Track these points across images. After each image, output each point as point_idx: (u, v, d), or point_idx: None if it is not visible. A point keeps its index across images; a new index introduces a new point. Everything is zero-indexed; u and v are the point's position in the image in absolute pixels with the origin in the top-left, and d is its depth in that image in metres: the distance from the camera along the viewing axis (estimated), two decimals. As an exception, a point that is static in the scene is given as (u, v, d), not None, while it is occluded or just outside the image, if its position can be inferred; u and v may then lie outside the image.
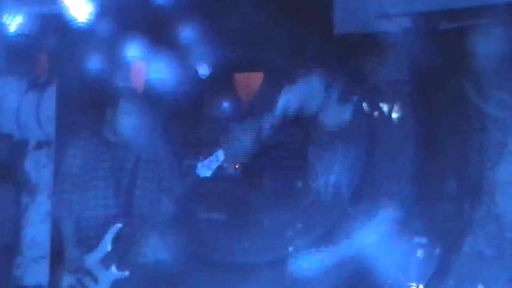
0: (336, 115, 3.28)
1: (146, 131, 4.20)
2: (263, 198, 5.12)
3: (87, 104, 5.39)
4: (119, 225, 4.05)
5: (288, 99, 3.33)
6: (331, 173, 3.27)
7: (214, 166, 4.00)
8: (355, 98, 3.31)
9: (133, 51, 5.48)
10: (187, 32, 5.38)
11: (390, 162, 3.23)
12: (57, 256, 4.56)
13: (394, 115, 4.65)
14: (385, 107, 4.74)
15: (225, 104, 5.99)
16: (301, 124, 3.44)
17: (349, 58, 4.71)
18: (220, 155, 4.00)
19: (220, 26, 5.37)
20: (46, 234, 5.51)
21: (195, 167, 3.97)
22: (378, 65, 4.52)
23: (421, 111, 4.90)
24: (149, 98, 4.99)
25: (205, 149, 5.50)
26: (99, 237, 4.10)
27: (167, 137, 4.35)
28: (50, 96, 5.65)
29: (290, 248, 3.44)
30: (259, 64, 5.61)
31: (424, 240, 4.62)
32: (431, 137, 4.78)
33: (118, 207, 4.09)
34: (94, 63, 5.40)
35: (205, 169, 4.01)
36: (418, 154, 3.47)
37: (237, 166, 5.39)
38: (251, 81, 5.88)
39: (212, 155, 3.97)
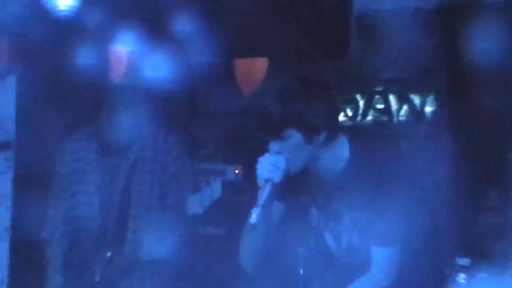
0: (327, 161, 2.88)
1: (141, 132, 3.83)
2: None
3: (63, 100, 5.22)
4: (108, 254, 3.72)
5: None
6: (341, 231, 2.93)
7: (207, 203, 3.89)
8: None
9: (115, 37, 5.20)
10: (179, 14, 5.22)
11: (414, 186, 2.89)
12: (17, 282, 4.43)
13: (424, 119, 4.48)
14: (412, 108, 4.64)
15: (223, 97, 5.82)
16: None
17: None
18: (216, 188, 3.92)
19: (217, 4, 5.21)
20: (3, 255, 5.10)
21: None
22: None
23: (456, 110, 4.71)
24: (137, 92, 4.69)
25: (200, 150, 5.71)
26: (84, 264, 3.80)
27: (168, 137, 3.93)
28: (9, 88, 5.33)
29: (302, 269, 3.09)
30: (263, 48, 5.35)
31: (466, 261, 3.99)
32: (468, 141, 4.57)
33: (107, 230, 3.75)
34: (71, 52, 5.12)
35: (196, 205, 3.89)
36: (453, 162, 3.47)
37: (237, 171, 5.30)
38: (254, 68, 5.58)
39: (206, 186, 3.81)
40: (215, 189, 3.78)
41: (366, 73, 5.43)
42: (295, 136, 2.77)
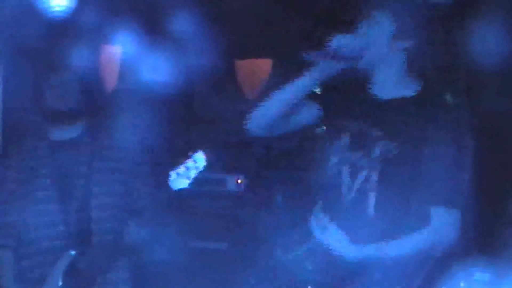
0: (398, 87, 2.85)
1: (109, 130, 3.85)
2: (273, 221, 4.94)
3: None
4: (71, 253, 3.67)
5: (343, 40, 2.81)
6: (367, 186, 2.83)
7: (192, 174, 3.63)
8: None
9: (111, 37, 5.34)
10: (176, 14, 5.15)
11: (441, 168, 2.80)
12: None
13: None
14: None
15: (224, 100, 5.72)
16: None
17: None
18: (199, 159, 3.61)
19: (220, 3, 5.17)
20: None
21: (168, 177, 3.67)
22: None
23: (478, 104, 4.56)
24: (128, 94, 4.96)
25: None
26: (45, 268, 3.72)
27: (142, 138, 3.98)
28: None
29: (309, 287, 3.09)
30: (268, 48, 5.35)
31: (487, 276, 3.99)
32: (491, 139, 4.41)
33: (69, 228, 3.73)
34: (64, 53, 4.69)
35: (180, 179, 3.63)
36: (474, 164, 2.98)
37: (240, 181, 5.17)
38: (257, 69, 5.58)
39: (189, 159, 3.62)
40: (198, 159, 3.62)
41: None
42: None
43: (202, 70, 5.63)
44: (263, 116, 2.93)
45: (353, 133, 2.84)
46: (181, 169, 3.58)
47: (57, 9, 4.87)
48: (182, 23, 5.13)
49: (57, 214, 3.76)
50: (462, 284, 3.84)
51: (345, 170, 2.85)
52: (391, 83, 2.82)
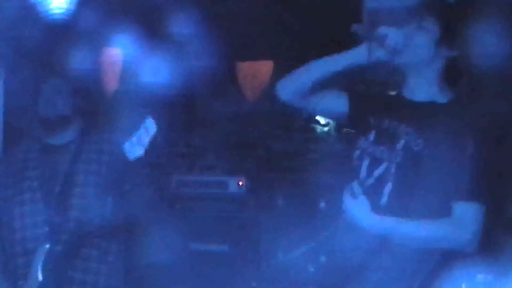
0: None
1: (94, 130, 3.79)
2: (275, 223, 4.93)
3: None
4: (46, 246, 3.63)
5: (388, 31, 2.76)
6: (381, 182, 2.78)
7: (146, 140, 3.46)
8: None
9: (112, 39, 5.30)
10: (177, 16, 5.05)
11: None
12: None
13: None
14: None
15: (225, 102, 5.75)
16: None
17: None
18: (149, 124, 3.45)
19: (221, 4, 5.08)
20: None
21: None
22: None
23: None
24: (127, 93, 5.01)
25: (199, 160, 5.66)
26: (27, 265, 3.69)
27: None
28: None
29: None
30: (268, 51, 5.38)
31: (489, 278, 3.75)
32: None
33: (48, 224, 3.68)
34: (65, 56, 4.58)
35: (135, 147, 3.48)
36: (477, 163, 2.86)
37: (241, 183, 5.13)
38: (258, 72, 5.58)
39: (139, 129, 3.46)
40: (148, 125, 3.48)
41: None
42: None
43: (203, 72, 5.64)
44: (294, 82, 2.87)
45: (381, 129, 2.83)
46: (134, 138, 3.49)
47: (57, 12, 4.87)
48: (183, 26, 5.11)
49: (37, 208, 3.73)
50: (463, 286, 3.60)
51: (366, 160, 2.84)
52: (424, 88, 2.82)
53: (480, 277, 3.71)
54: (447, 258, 2.84)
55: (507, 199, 4.37)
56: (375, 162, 2.80)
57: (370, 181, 2.82)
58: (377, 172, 2.79)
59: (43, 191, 3.72)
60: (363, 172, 2.85)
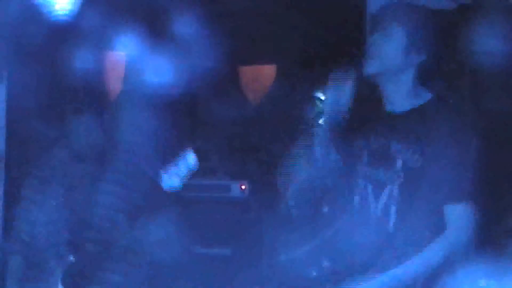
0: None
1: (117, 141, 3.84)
2: (278, 227, 4.57)
3: (52, 108, 4.96)
4: (70, 258, 3.71)
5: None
6: (380, 189, 2.83)
7: (183, 173, 3.61)
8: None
9: (113, 40, 5.20)
10: (180, 18, 5.12)
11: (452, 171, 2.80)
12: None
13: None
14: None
15: (227, 105, 5.63)
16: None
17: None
18: (189, 157, 3.58)
19: (223, 7, 5.14)
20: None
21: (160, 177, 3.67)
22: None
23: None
24: (134, 98, 4.77)
25: (201, 163, 5.17)
26: (46, 274, 3.77)
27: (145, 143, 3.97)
28: (-1, 99, 5.56)
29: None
30: (271, 54, 5.33)
31: (492, 282, 3.78)
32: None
33: (70, 234, 3.78)
34: (67, 57, 4.96)
35: (172, 177, 3.63)
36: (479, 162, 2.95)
37: (244, 187, 5.13)
38: (261, 75, 5.59)
39: (178, 158, 3.60)
40: (189, 158, 3.63)
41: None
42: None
43: (206, 75, 5.58)
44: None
45: (373, 150, 2.84)
46: (172, 168, 3.56)
47: (61, 12, 4.83)
48: (186, 29, 5.11)
49: (60, 217, 3.77)
50: None
51: (370, 188, 2.85)
52: (401, 96, 2.82)
53: (482, 282, 3.72)
54: (450, 260, 2.83)
55: (507, 203, 4.41)
56: (377, 186, 2.80)
57: (378, 207, 2.82)
58: (382, 196, 2.80)
59: (70, 202, 3.75)
60: (370, 197, 2.84)
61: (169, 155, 4.34)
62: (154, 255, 3.94)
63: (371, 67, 2.78)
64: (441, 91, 2.96)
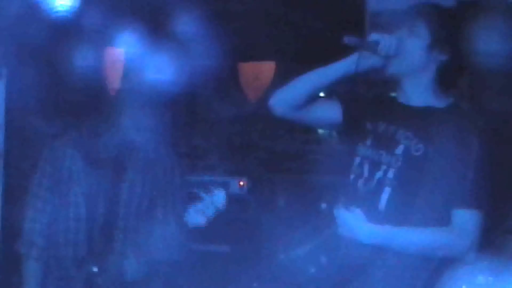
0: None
1: (133, 141, 3.74)
2: (276, 224, 4.76)
3: (57, 105, 5.19)
4: (94, 269, 3.58)
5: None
6: (382, 185, 2.81)
7: (211, 211, 3.50)
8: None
9: (113, 38, 5.28)
10: (180, 15, 5.16)
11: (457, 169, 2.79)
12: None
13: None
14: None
15: (226, 102, 5.76)
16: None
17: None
18: (218, 196, 3.48)
19: (224, 4, 5.21)
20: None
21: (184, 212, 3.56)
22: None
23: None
24: (134, 96, 4.64)
25: (201, 160, 5.67)
26: (66, 280, 3.63)
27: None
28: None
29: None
30: (270, 52, 5.38)
31: (490, 280, 3.64)
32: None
33: (93, 244, 3.63)
34: (66, 55, 5.11)
35: (198, 215, 3.50)
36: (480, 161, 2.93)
37: (242, 183, 5.16)
38: (261, 73, 5.59)
39: (208, 194, 3.46)
40: (217, 197, 3.52)
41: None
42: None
43: (205, 72, 5.63)
44: (286, 96, 2.87)
45: (378, 134, 2.84)
46: (199, 204, 3.51)
47: (60, 11, 4.84)
48: (186, 26, 5.14)
49: (84, 225, 3.67)
50: (464, 287, 3.96)
51: (366, 167, 2.85)
52: (419, 94, 2.83)
53: (481, 278, 3.84)
54: (449, 259, 2.82)
55: (507, 202, 4.38)
56: (375, 166, 2.80)
57: (371, 185, 2.82)
58: (377, 176, 2.80)
59: (85, 209, 3.67)
60: (365, 175, 2.84)
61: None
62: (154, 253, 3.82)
63: (395, 67, 2.77)
64: (459, 96, 2.96)
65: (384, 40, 2.74)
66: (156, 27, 5.18)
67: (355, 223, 2.76)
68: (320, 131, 5.78)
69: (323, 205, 3.63)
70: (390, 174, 2.78)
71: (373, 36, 2.75)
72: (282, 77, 5.25)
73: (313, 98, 2.84)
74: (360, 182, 2.84)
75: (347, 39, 2.72)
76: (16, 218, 4.07)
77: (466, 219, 2.70)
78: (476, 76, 4.35)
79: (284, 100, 2.85)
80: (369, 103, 2.89)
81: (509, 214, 4.24)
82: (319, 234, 3.17)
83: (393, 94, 2.90)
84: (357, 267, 2.89)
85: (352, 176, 2.87)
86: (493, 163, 2.80)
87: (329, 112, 2.88)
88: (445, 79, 2.84)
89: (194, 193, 3.53)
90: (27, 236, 3.71)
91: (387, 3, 5.12)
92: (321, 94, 2.87)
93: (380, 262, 2.83)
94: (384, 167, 2.77)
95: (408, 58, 2.79)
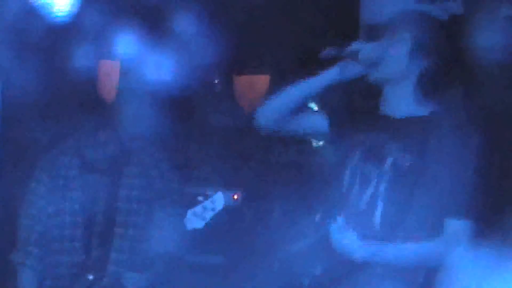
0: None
1: (127, 147, 3.80)
2: (271, 234, 4.87)
3: (50, 112, 5.11)
4: (89, 277, 3.62)
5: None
6: (374, 196, 2.79)
7: (209, 215, 3.55)
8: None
9: (109, 47, 5.25)
10: (178, 26, 5.10)
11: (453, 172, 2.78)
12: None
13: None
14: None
15: (222, 115, 5.74)
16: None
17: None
18: (217, 199, 3.54)
19: (219, 17, 5.12)
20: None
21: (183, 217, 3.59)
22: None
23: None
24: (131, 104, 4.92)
25: (195, 171, 5.61)
26: None
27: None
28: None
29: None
30: (265, 63, 5.39)
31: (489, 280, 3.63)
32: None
33: (88, 252, 3.67)
34: (60, 60, 5.09)
35: (196, 219, 3.53)
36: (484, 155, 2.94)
37: (236, 197, 5.17)
38: (255, 85, 5.58)
39: (207, 197, 3.53)
40: (216, 200, 3.57)
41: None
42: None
43: (200, 84, 5.61)
44: (272, 109, 2.87)
45: (366, 147, 2.83)
46: (198, 208, 3.54)
47: (59, 12, 4.81)
48: (182, 37, 5.11)
49: (80, 233, 3.69)
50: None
51: (357, 179, 2.84)
52: (402, 102, 2.81)
53: (478, 276, 3.81)
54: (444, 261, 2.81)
55: (500, 209, 4.37)
56: (366, 180, 2.79)
57: (364, 200, 2.81)
58: (369, 191, 2.79)
59: (84, 217, 3.67)
60: (357, 189, 2.84)
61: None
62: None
63: (377, 73, 2.77)
64: (444, 104, 2.92)
65: (364, 48, 2.74)
66: (151, 39, 5.13)
67: (348, 244, 2.74)
68: (315, 142, 5.80)
69: (318, 217, 3.64)
70: (381, 188, 2.77)
71: (353, 45, 2.75)
72: (276, 90, 5.31)
73: (298, 109, 2.84)
74: (353, 196, 2.83)
75: (324, 53, 2.74)
76: (11, 226, 4.07)
77: (457, 228, 2.69)
78: (465, 81, 4.31)
79: (270, 111, 2.86)
80: (355, 115, 2.89)
81: (507, 221, 4.29)
82: (313, 245, 3.08)
83: (378, 106, 2.89)
84: (351, 276, 2.82)
85: (343, 190, 2.86)
86: (482, 168, 2.77)
87: (314, 124, 2.90)
88: (429, 86, 2.83)
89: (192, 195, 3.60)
90: (22, 245, 3.68)
91: (382, 16, 5.22)
92: (309, 105, 2.87)
93: (374, 270, 2.79)
94: (374, 181, 2.77)
95: (390, 65, 2.78)
